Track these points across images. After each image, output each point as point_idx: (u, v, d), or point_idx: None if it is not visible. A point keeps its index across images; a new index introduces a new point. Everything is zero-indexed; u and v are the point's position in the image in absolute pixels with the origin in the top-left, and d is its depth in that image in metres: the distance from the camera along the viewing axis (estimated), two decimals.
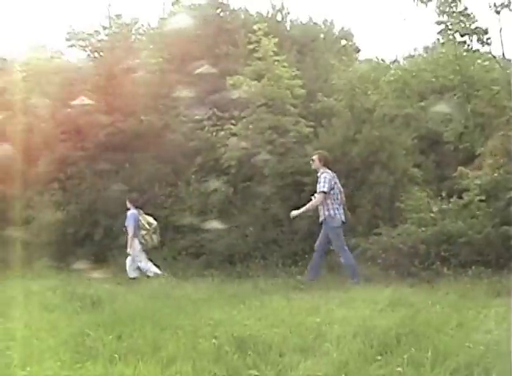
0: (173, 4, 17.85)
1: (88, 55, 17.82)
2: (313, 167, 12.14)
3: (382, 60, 16.34)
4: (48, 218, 14.90)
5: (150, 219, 13.69)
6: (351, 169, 13.23)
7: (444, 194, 12.67)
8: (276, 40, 14.49)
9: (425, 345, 6.40)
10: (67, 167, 15.48)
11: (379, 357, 6.23)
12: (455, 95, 14.65)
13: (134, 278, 13.27)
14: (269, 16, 17.30)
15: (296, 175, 13.59)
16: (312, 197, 11.87)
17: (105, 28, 17.37)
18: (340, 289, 10.49)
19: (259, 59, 14.50)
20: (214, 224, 13.74)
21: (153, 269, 13.34)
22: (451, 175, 13.20)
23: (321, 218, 11.85)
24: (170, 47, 16.61)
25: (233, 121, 14.57)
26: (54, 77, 16.75)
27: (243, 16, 17.24)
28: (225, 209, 14.29)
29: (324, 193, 11.60)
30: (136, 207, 13.62)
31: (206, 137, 14.85)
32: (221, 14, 17.18)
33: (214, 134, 14.74)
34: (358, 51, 17.91)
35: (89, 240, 14.65)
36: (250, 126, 14.19)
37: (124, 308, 9.57)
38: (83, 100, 15.85)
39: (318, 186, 11.74)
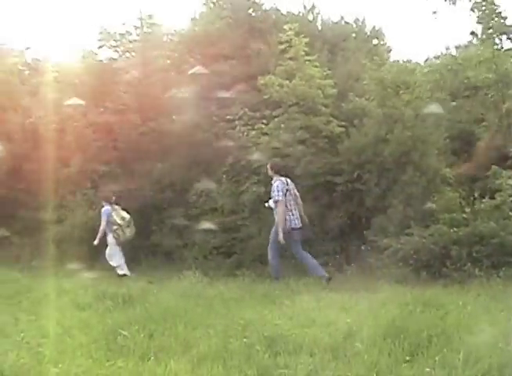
0: (204, 4, 17.87)
1: (120, 55, 17.89)
2: (269, 174, 12.69)
3: (414, 61, 16.27)
4: (80, 217, 15.02)
5: (124, 214, 14.07)
6: (382, 169, 13.15)
7: (476, 195, 12.58)
8: (307, 39, 14.46)
9: (456, 346, 6.38)
10: (99, 166, 15.58)
11: (409, 358, 6.23)
12: (487, 94, 14.53)
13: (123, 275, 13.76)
14: (301, 15, 17.27)
15: (327, 175, 13.56)
16: (266, 204, 12.67)
17: (136, 28, 17.42)
18: (370, 289, 10.46)
19: (290, 58, 14.48)
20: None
21: (124, 268, 13.92)
22: (483, 176, 13.09)
23: (276, 220, 12.29)
24: (201, 47, 16.64)
25: (265, 121, 14.55)
26: (86, 78, 16.87)
27: (274, 16, 17.22)
28: (256, 209, 14.29)
29: (280, 201, 12.10)
30: (111, 204, 14.03)
31: (237, 137, 14.85)
32: (253, 14, 17.19)
33: (246, 133, 14.71)
34: (390, 50, 17.83)
35: None
36: (282, 125, 14.16)
37: (155, 306, 9.62)
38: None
39: (272, 194, 12.29)
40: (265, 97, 14.61)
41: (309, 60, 14.42)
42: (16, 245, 15.96)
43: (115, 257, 14.06)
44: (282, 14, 17.40)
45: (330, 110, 14.39)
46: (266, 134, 14.25)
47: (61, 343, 7.48)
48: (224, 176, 14.84)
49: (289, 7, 17.64)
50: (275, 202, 12.21)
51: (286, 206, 12.18)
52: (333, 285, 11.26)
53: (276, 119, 14.27)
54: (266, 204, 12.70)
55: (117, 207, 14.13)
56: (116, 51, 17.86)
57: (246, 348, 6.88)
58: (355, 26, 17.71)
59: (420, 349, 6.46)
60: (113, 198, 14.15)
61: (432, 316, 7.88)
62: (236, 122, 14.99)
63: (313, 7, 17.39)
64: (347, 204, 13.15)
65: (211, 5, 17.66)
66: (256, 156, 14.25)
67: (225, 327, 7.88)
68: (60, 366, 6.36)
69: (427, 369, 5.87)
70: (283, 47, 14.80)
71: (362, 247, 12.59)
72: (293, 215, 12.32)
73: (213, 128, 15.32)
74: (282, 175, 12.56)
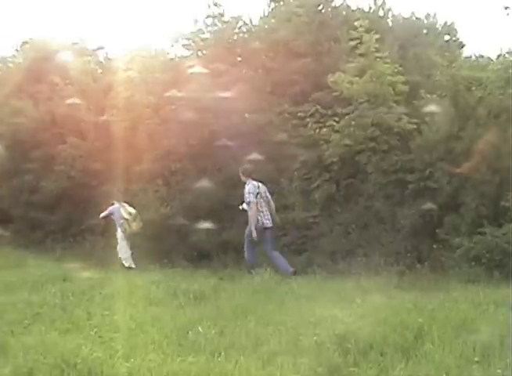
0: (275, 1, 17.85)
1: (192, 53, 18.01)
2: (242, 179, 13.62)
3: (486, 56, 15.94)
4: (152, 213, 15.23)
5: (131, 209, 15.03)
6: (454, 167, 13.01)
7: None
8: (378, 36, 14.35)
9: None
10: (171, 163, 15.76)
11: (480, 359, 6.20)
12: None
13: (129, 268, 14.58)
14: (371, 11, 17.16)
15: (399, 173, 13.47)
16: (240, 207, 13.69)
17: (208, 26, 17.52)
18: (442, 288, 10.40)
19: (361, 55, 14.38)
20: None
21: (129, 261, 14.74)
22: None
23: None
24: (272, 44, 16.66)
25: (336, 118, 14.50)
26: (158, 76, 17.06)
27: (344, 13, 17.12)
28: (327, 206, 14.30)
29: (251, 202, 13.17)
30: (119, 201, 15.17)
31: (309, 134, 14.86)
32: (323, 11, 17.14)
33: (317, 131, 14.71)
34: (462, 46, 17.51)
35: (192, 236, 14.86)
36: (353, 123, 14.10)
37: (226, 303, 9.75)
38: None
39: (244, 197, 13.33)
40: (336, 94, 14.56)
41: (380, 57, 14.28)
42: (89, 241, 16.27)
43: (121, 250, 14.90)
44: (352, 11, 17.27)
45: (402, 106, 14.28)
46: (337, 131, 14.21)
47: (133, 338, 7.62)
48: (295, 173, 14.89)
49: (359, 3, 17.42)
50: (248, 204, 13.26)
51: (259, 207, 13.25)
52: (404, 284, 11.21)
53: (347, 116, 14.21)
54: (240, 207, 13.71)
55: (124, 204, 15.05)
56: (187, 49, 17.99)
57: (317, 346, 6.93)
58: (426, 21, 17.43)
59: (491, 350, 6.41)
60: (121, 196, 15.22)
61: (504, 317, 7.81)
62: (308, 119, 15.00)
63: (384, 3, 17.19)
64: (418, 202, 13.04)
65: (282, 3, 17.63)
66: (328, 153, 14.26)
67: (296, 325, 7.94)
68: (132, 360, 6.50)
69: (498, 370, 5.84)
70: (353, 44, 14.73)
71: (434, 246, 12.49)
72: (264, 215, 13.38)
73: (285, 126, 15.35)
74: (253, 179, 13.51)
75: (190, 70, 16.43)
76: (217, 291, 10.88)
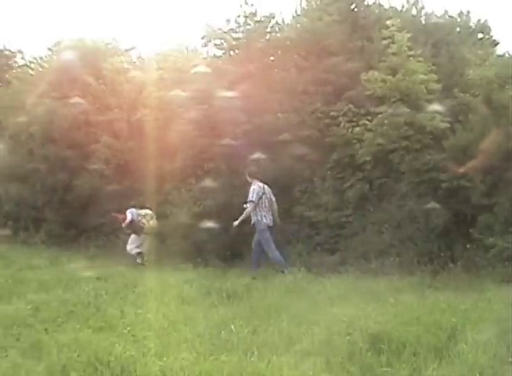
0: (307, 0, 17.82)
1: (224, 52, 18.04)
2: (248, 181, 14.16)
3: None
4: (184, 212, 15.28)
5: (147, 211, 15.61)
6: (488, 166, 12.92)
7: None
8: (410, 35, 14.30)
9: None
10: (204, 163, 15.80)
11: None
12: None
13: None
14: (404, 10, 17.08)
15: (432, 172, 13.39)
16: (245, 205, 13.94)
17: (240, 26, 17.53)
18: (475, 288, 10.34)
19: (393, 54, 14.34)
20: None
21: (139, 257, 15.53)
22: None
23: (252, 222, 13.97)
24: (305, 43, 16.64)
25: (369, 117, 14.47)
26: (190, 75, 17.10)
27: (377, 11, 17.07)
28: (360, 205, 14.27)
29: (252, 202, 13.77)
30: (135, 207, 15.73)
31: (342, 133, 14.83)
32: (356, 10, 17.09)
33: (350, 130, 14.68)
34: (496, 44, 17.35)
35: (225, 234, 14.90)
36: (386, 121, 14.05)
37: (259, 302, 9.76)
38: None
39: (248, 196, 13.83)
40: (369, 93, 14.52)
41: (412, 56, 14.24)
42: (122, 240, 16.37)
43: (136, 245, 15.48)
44: (385, 9, 17.22)
45: (434, 105, 14.19)
46: (370, 130, 14.17)
47: (166, 337, 7.65)
48: (328, 173, 14.88)
49: (392, 2, 17.37)
50: (249, 202, 13.83)
51: (261, 207, 13.84)
52: (437, 284, 11.16)
53: (380, 115, 14.16)
54: (244, 205, 13.99)
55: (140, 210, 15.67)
56: (220, 48, 18.02)
57: (350, 346, 6.91)
58: (459, 20, 17.31)
59: None
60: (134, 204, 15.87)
61: None
62: (341, 118, 14.97)
63: (417, 1, 17.13)
64: (452, 201, 12.97)
65: (314, 2, 17.60)
66: (360, 152, 14.23)
67: (329, 324, 7.91)
68: (165, 359, 6.50)
69: None
70: (385, 42, 14.68)
71: (468, 246, 12.44)
72: (266, 215, 13.91)
73: (318, 125, 15.33)
74: (259, 180, 14.06)
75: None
76: (249, 289, 10.90)
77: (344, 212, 14.34)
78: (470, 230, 12.65)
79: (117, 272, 13.21)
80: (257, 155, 14.84)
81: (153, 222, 15.49)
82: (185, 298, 10.30)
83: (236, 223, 13.91)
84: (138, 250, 15.47)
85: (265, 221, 13.86)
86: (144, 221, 15.48)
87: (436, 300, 9.45)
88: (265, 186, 14.03)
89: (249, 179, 14.13)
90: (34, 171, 19.20)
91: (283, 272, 12.89)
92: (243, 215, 13.86)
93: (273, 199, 14.13)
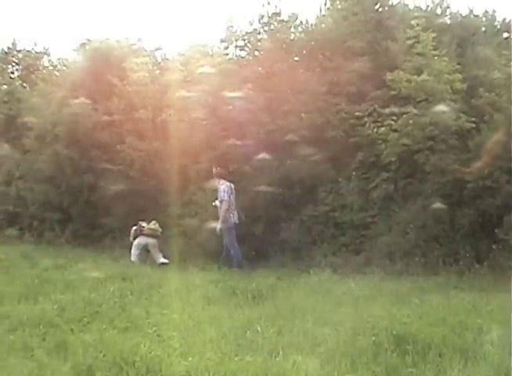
0: (331, 0, 17.78)
1: (248, 53, 18.03)
2: (216, 180, 14.68)
3: None
4: (209, 213, 15.29)
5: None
6: None
7: None
8: (435, 34, 14.24)
9: None
10: (228, 163, 15.81)
11: None
12: None
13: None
14: (428, 9, 17.01)
15: (457, 172, 13.34)
16: (213, 204, 14.66)
17: (263, 26, 17.51)
18: (501, 289, 10.27)
19: (418, 54, 14.30)
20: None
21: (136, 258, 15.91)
22: None
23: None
24: (330, 43, 16.62)
25: (394, 117, 14.41)
26: (214, 76, 17.12)
27: (401, 11, 17.01)
28: (385, 206, 14.23)
29: (225, 200, 14.24)
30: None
31: (367, 133, 14.78)
32: (380, 9, 17.05)
33: (375, 130, 14.63)
34: None
35: (250, 235, 14.91)
36: (411, 122, 14.00)
37: (284, 302, 9.76)
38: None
39: (219, 195, 14.36)
40: (394, 93, 14.48)
41: (437, 55, 14.19)
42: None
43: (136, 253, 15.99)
44: (409, 9, 17.16)
45: (459, 105, 14.12)
46: (395, 130, 14.11)
47: (191, 337, 7.66)
48: (353, 173, 14.86)
49: (416, 1, 17.29)
50: (221, 201, 14.31)
51: (229, 206, 14.29)
52: (462, 284, 11.12)
53: (405, 115, 14.11)
54: (213, 204, 14.67)
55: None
56: (243, 49, 18.02)
57: (375, 347, 6.90)
58: (484, 19, 17.22)
59: None
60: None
61: None
62: (366, 119, 14.93)
63: (441, 1, 17.06)
64: (477, 201, 12.91)
65: (339, 2, 17.57)
66: (386, 153, 14.19)
67: (354, 325, 7.91)
68: (190, 359, 6.51)
69: None
70: (410, 42, 14.63)
71: (493, 246, 12.40)
72: (233, 213, 14.46)
73: (342, 125, 15.30)
74: (226, 180, 14.55)
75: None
76: (275, 290, 10.92)
77: (369, 213, 14.32)
78: (496, 231, 12.61)
79: (142, 273, 13.26)
80: (282, 155, 14.90)
81: (153, 225, 15.89)
82: (210, 299, 10.33)
83: (218, 227, 14.24)
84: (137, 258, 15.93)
85: (231, 220, 14.38)
86: (144, 224, 15.93)
87: (461, 301, 9.43)
88: (232, 185, 14.59)
89: (216, 179, 14.66)
90: (59, 172, 19.31)
91: (230, 267, 13.83)
92: (221, 216, 14.25)
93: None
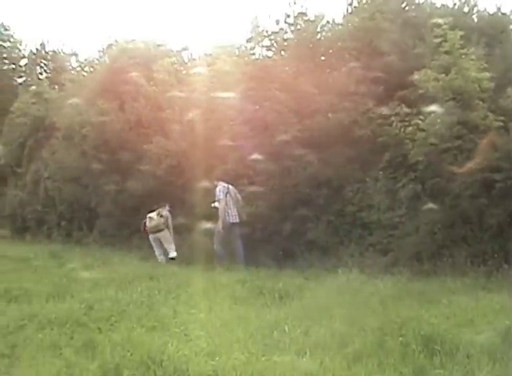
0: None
1: (275, 53, 18.02)
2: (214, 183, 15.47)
3: None
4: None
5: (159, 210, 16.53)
6: None
7: None
8: (462, 33, 14.16)
9: None
10: (255, 163, 15.81)
11: None
12: None
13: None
14: (456, 8, 16.92)
15: (485, 172, 13.25)
16: (212, 205, 15.24)
17: (290, 26, 17.50)
18: None
19: (446, 52, 14.20)
20: None
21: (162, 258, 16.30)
22: None
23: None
24: (356, 43, 16.58)
25: (421, 117, 14.34)
26: (241, 76, 17.12)
27: (428, 10, 16.95)
28: (413, 206, 14.16)
29: (221, 199, 15.04)
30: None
31: (394, 133, 14.71)
32: (407, 8, 17.00)
33: (402, 130, 14.55)
34: None
35: (278, 235, 14.92)
36: (438, 121, 13.92)
37: (311, 302, 9.75)
38: None
39: (216, 196, 15.14)
40: (421, 92, 14.40)
41: (465, 54, 14.09)
42: (175, 240, 16.45)
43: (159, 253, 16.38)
44: (436, 7, 17.09)
45: (487, 104, 14.02)
46: (423, 130, 14.03)
47: (218, 336, 7.70)
48: (380, 173, 14.77)
49: (443, 0, 17.24)
50: (218, 201, 15.07)
51: (226, 205, 15.03)
52: (491, 285, 11.03)
53: (433, 114, 14.03)
54: (212, 205, 15.29)
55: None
56: (270, 49, 18.02)
57: (402, 347, 6.88)
58: None
59: None
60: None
61: None
62: (393, 118, 14.86)
63: None
64: (506, 201, 12.81)
65: (365, 1, 17.53)
66: (413, 152, 14.12)
67: (381, 325, 7.88)
68: (217, 359, 6.57)
69: None
70: (437, 41, 14.54)
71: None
72: (231, 213, 15.19)
73: (370, 125, 15.25)
74: (224, 181, 15.42)
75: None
76: (302, 290, 10.91)
77: (397, 212, 14.21)
78: None
79: (170, 272, 13.33)
80: (309, 155, 14.90)
81: (153, 222, 16.29)
82: (237, 298, 10.36)
83: (219, 226, 14.98)
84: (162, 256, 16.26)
85: (227, 218, 15.08)
86: (146, 222, 16.22)
87: (490, 302, 9.35)
88: (230, 186, 15.40)
89: (215, 182, 15.45)
90: (87, 172, 19.44)
91: (219, 263, 14.48)
92: (220, 215, 15.01)
93: (239, 197, 15.61)
